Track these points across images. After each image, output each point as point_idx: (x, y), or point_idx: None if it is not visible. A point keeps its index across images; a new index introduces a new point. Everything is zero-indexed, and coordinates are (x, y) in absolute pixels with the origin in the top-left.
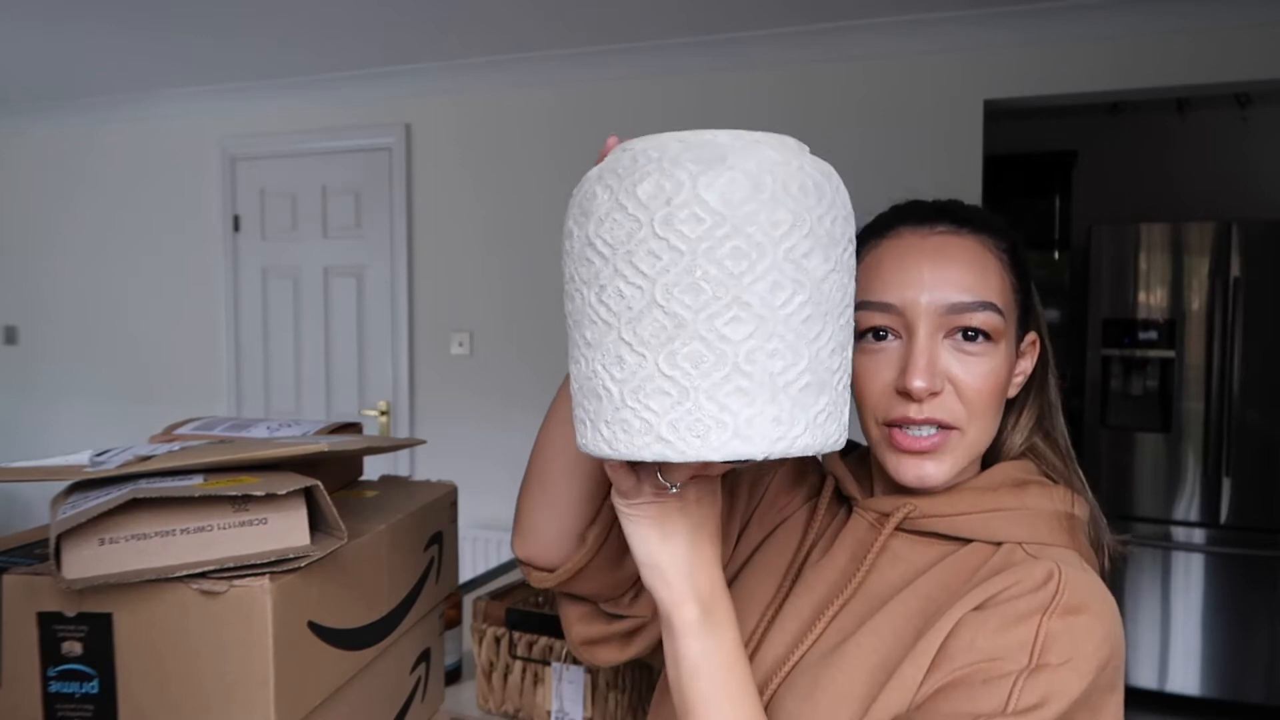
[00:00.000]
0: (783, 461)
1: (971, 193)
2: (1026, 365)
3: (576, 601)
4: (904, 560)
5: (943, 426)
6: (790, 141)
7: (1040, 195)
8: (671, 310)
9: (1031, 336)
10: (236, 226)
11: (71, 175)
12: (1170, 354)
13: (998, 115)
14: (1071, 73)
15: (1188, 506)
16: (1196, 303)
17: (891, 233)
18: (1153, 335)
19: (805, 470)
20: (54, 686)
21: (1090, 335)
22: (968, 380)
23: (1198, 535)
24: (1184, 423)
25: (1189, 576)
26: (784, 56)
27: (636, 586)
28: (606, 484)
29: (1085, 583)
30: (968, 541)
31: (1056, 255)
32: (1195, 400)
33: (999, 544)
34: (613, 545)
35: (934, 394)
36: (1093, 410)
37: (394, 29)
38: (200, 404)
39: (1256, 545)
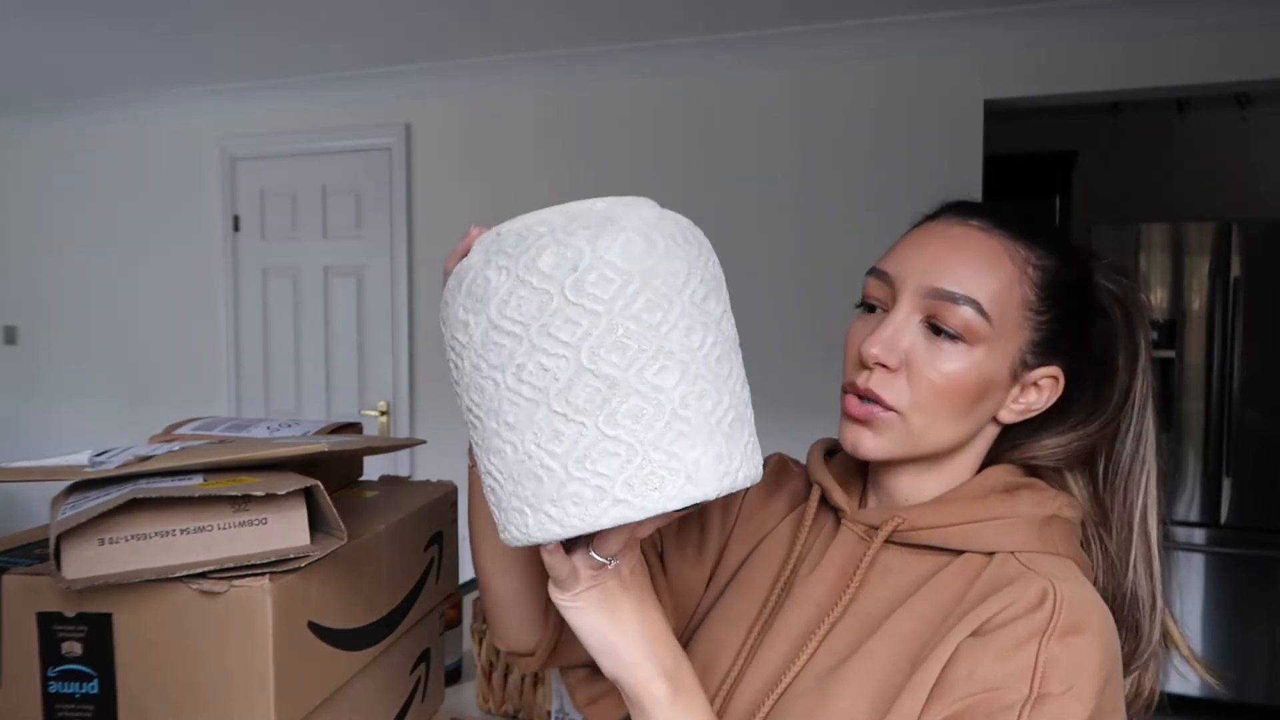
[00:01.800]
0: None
1: (971, 193)
2: (1032, 399)
3: (574, 669)
4: (895, 574)
5: (883, 405)
6: (651, 202)
7: (1040, 195)
8: (602, 372)
9: (1051, 371)
10: (236, 226)
11: (72, 175)
12: (1170, 354)
13: (998, 115)
14: (1071, 73)
15: (1188, 506)
16: (1196, 303)
17: (935, 217)
18: (1153, 335)
19: (781, 479)
20: (54, 687)
21: None
22: (923, 369)
23: (1198, 535)
24: (1184, 423)
25: (1189, 576)
26: (784, 56)
27: None
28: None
29: (1081, 597)
30: (960, 552)
31: None
32: (1195, 400)
33: (991, 554)
34: None
35: (885, 367)
36: None
37: (394, 29)
38: (200, 404)
39: (1256, 545)
